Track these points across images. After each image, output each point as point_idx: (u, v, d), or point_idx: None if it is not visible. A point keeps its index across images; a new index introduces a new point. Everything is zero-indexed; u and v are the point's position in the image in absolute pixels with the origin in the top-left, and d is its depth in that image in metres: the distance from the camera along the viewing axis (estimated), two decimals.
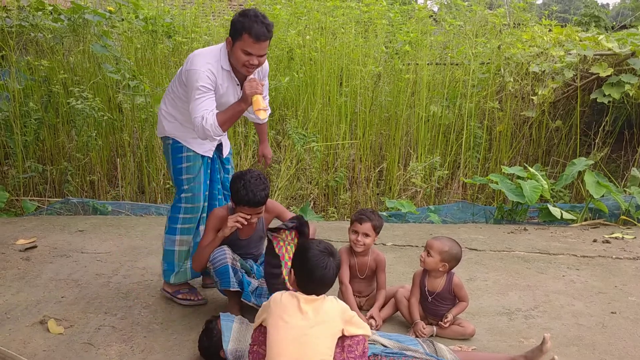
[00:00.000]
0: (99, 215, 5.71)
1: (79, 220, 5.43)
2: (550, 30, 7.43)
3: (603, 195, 5.58)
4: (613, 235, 5.18)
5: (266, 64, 3.52)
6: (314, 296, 2.41)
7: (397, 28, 7.73)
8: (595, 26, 9.41)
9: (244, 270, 3.31)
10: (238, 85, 3.36)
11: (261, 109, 3.17)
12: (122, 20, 6.69)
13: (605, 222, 5.66)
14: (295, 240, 3.27)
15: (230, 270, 3.16)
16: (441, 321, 3.22)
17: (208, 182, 3.58)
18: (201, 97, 3.20)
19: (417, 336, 3.12)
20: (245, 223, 3.19)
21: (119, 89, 6.24)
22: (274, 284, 3.12)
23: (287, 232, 3.26)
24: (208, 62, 3.23)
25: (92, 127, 6.14)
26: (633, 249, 4.81)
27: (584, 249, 4.79)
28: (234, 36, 3.17)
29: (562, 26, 7.62)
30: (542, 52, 6.85)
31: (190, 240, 3.55)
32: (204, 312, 3.43)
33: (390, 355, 2.69)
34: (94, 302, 3.59)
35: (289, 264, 3.13)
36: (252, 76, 3.32)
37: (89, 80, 6.36)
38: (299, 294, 2.41)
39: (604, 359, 3.00)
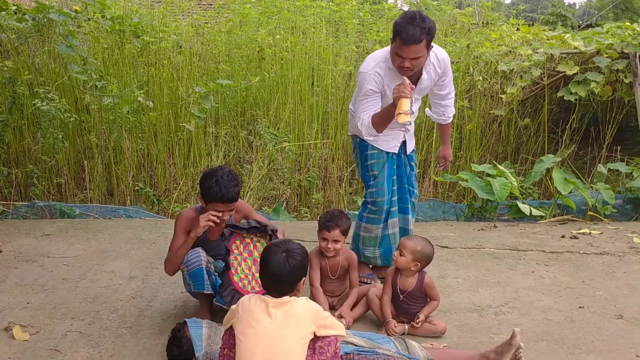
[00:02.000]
0: (66, 219, 5.59)
1: (45, 224, 5.31)
2: (518, 29, 7.52)
3: (571, 192, 5.67)
4: (580, 231, 5.26)
5: (444, 59, 3.53)
6: (285, 298, 2.37)
7: (367, 27, 7.75)
8: (562, 25, 9.57)
9: (217, 274, 3.27)
10: (410, 83, 3.38)
11: (401, 113, 3.21)
12: (89, 19, 6.57)
13: (573, 218, 5.75)
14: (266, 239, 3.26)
15: (205, 273, 3.12)
16: (413, 321, 3.23)
17: (394, 177, 3.72)
18: (364, 99, 3.47)
19: (389, 334, 3.12)
20: (218, 221, 3.14)
21: (86, 89, 6.13)
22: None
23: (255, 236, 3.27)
24: (377, 64, 3.43)
25: (58, 129, 6.02)
26: (600, 244, 4.89)
27: (553, 245, 4.85)
28: (392, 38, 3.27)
29: (529, 25, 7.73)
30: (510, 51, 6.94)
31: (376, 229, 3.76)
32: (174, 316, 3.38)
33: (363, 353, 2.68)
34: (61, 307, 3.51)
35: (249, 265, 3.18)
36: (407, 79, 3.35)
37: (55, 81, 6.23)
38: (268, 297, 2.37)
39: (572, 353, 3.04)
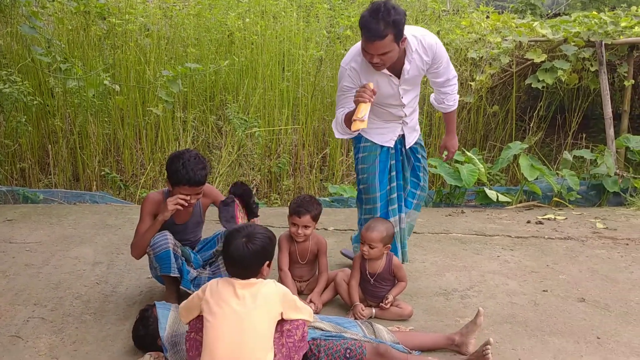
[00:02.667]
0: (30, 204, 5.47)
1: (8, 210, 5.19)
2: (487, 17, 7.57)
3: (537, 178, 5.75)
4: (546, 217, 5.35)
5: (432, 45, 3.25)
6: (252, 280, 2.37)
7: (338, 13, 7.71)
8: (531, 14, 9.64)
9: (184, 258, 3.24)
10: (392, 75, 3.25)
11: (356, 119, 3.01)
12: (53, 0, 6.40)
13: (539, 204, 5.84)
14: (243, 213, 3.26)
15: (172, 256, 3.09)
16: (382, 302, 3.24)
17: (392, 173, 3.52)
18: (341, 95, 3.32)
19: (356, 318, 3.13)
20: (186, 204, 3.10)
21: (50, 72, 5.98)
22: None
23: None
24: (353, 57, 3.25)
25: (21, 112, 5.87)
26: (564, 229, 4.98)
27: (518, 230, 4.93)
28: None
29: (499, 13, 7.78)
30: (480, 39, 6.98)
31: None
32: (139, 302, 3.35)
33: (330, 339, 2.69)
34: (23, 293, 3.44)
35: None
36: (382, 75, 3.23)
37: (18, 63, 6.06)
38: (235, 280, 2.36)
39: (535, 335, 3.09)
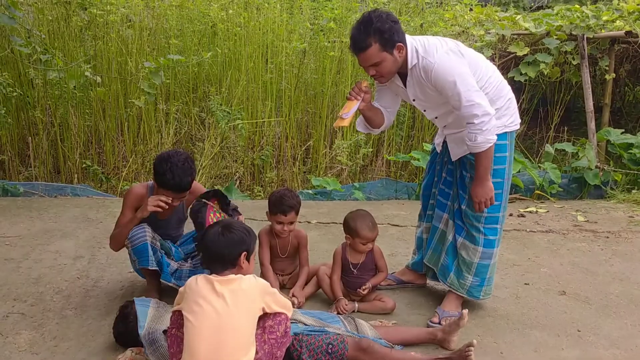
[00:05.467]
0: (10, 197, 5.39)
1: None
2: (471, 9, 7.58)
3: (519, 171, 5.80)
4: (528, 210, 5.39)
5: (429, 70, 2.83)
6: (231, 276, 2.35)
7: (322, 4, 7.66)
8: (514, 6, 9.68)
9: (163, 251, 3.21)
10: (405, 88, 3.03)
11: (339, 116, 2.86)
12: None
13: (521, 197, 5.89)
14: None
15: (150, 249, 3.06)
16: (362, 297, 3.24)
17: (435, 177, 3.37)
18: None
19: (339, 313, 3.13)
20: (166, 207, 3.06)
21: (30, 63, 5.88)
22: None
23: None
24: None
25: (0, 104, 5.77)
26: (546, 222, 5.02)
27: None
28: None
29: (482, 6, 7.79)
30: (463, 31, 6.98)
31: (421, 225, 3.58)
32: (121, 296, 3.32)
33: (312, 333, 2.69)
34: (2, 288, 3.40)
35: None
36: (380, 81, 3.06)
37: None
38: (214, 277, 2.34)
39: (517, 328, 3.12)
